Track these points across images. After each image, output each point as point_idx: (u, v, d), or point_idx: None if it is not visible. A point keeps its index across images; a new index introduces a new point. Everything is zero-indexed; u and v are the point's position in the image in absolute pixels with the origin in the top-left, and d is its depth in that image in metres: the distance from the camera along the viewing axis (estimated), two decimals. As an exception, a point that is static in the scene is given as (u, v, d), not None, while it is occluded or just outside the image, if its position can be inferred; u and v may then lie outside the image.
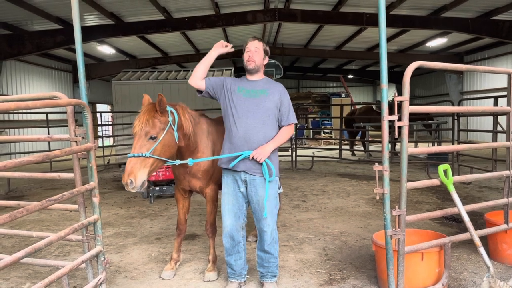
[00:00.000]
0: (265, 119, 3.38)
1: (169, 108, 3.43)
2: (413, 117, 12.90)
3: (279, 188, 3.54)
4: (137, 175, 3.12)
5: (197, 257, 4.50)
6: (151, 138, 3.25)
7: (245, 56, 3.45)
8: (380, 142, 3.04)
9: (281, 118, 3.46)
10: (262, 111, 3.37)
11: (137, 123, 3.28)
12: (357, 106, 17.10)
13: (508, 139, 3.64)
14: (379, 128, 13.54)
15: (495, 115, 7.62)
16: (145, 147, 3.21)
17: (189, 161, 3.48)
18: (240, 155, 3.31)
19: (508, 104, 3.64)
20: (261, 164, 3.32)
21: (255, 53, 3.42)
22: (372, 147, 14.05)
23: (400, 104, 2.88)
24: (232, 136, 3.39)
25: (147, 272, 4.12)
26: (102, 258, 2.96)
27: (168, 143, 3.35)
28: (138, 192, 8.19)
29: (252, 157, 3.30)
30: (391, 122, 2.91)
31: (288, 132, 3.49)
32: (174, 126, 3.40)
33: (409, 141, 2.95)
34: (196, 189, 3.85)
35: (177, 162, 3.45)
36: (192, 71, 13.81)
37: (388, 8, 11.84)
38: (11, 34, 12.66)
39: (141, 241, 5.15)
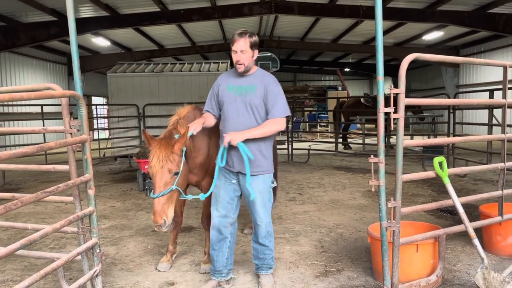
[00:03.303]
0: (256, 116, 3.29)
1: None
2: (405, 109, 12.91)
3: (273, 182, 3.45)
4: (168, 214, 3.14)
5: (193, 249, 4.51)
6: (175, 174, 3.19)
7: (233, 58, 3.30)
8: (375, 135, 3.04)
9: (267, 112, 3.30)
10: (250, 109, 3.28)
11: (155, 162, 3.15)
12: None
13: (503, 132, 3.66)
14: (370, 121, 13.57)
15: (490, 108, 7.65)
16: (169, 184, 3.17)
17: (200, 196, 3.37)
18: (223, 150, 3.24)
19: (504, 97, 3.65)
20: (260, 164, 3.28)
21: (242, 55, 3.25)
22: (367, 140, 14.07)
23: (396, 97, 2.87)
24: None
25: (143, 264, 4.12)
26: (98, 250, 2.96)
27: (185, 172, 3.32)
28: (134, 185, 8.19)
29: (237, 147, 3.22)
30: (387, 114, 2.91)
31: (271, 125, 3.26)
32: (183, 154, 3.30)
33: (404, 134, 2.95)
34: (192, 182, 3.83)
35: (190, 197, 3.37)
36: (188, 63, 13.66)
37: (385, 0, 11.81)
38: (5, 26, 12.53)
39: (137, 233, 5.15)
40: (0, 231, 5.30)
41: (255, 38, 3.31)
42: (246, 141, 3.22)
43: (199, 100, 9.99)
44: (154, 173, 3.16)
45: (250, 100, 3.28)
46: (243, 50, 3.25)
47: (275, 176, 5.08)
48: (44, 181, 9.12)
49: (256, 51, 3.35)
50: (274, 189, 5.15)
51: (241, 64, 3.27)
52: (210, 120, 3.50)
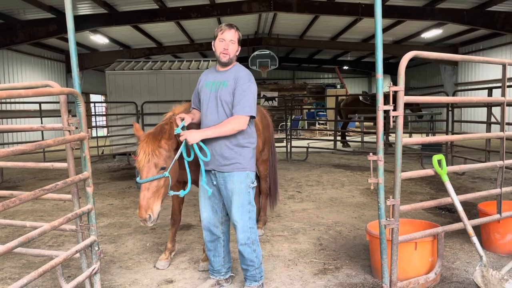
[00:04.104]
0: (228, 112, 3.17)
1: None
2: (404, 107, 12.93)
3: (253, 183, 3.27)
4: (153, 209, 3.09)
5: (192, 247, 4.51)
6: (162, 168, 3.13)
7: (218, 47, 3.19)
8: (373, 133, 3.03)
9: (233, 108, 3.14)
10: (221, 105, 3.18)
11: (142, 156, 3.10)
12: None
13: (501, 130, 3.66)
14: (369, 119, 13.57)
15: (489, 106, 7.65)
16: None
17: (180, 193, 3.32)
18: (196, 147, 3.15)
19: (502, 95, 3.65)
20: (232, 161, 3.16)
21: (231, 45, 3.18)
22: (366, 138, 14.08)
23: (395, 94, 2.87)
24: None
25: (141, 262, 4.12)
26: (97, 248, 2.95)
27: (175, 168, 3.25)
28: (132, 183, 8.18)
29: (206, 147, 3.16)
30: (386, 112, 2.91)
31: (231, 123, 3.08)
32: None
33: (403, 132, 2.94)
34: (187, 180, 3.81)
35: (171, 193, 3.27)
36: (186, 61, 13.67)
37: (384, -2, 11.80)
38: (3, 23, 12.50)
39: (135, 231, 5.15)
40: (-2, 229, 5.29)
41: (241, 35, 3.31)
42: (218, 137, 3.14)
43: (197, 98, 9.99)
44: (141, 167, 3.13)
45: (221, 95, 3.19)
46: (232, 40, 3.20)
47: (274, 176, 5.11)
48: (42, 178, 9.10)
49: (240, 48, 3.30)
50: (275, 188, 5.17)
51: (227, 54, 3.19)
52: (198, 116, 3.44)
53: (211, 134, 3.11)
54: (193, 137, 3.07)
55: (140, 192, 3.12)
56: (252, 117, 3.20)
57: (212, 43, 3.30)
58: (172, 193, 3.28)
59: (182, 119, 3.24)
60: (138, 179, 3.16)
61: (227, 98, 3.17)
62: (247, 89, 3.14)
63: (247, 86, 3.15)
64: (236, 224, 3.21)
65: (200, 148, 3.17)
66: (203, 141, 3.16)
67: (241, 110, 3.10)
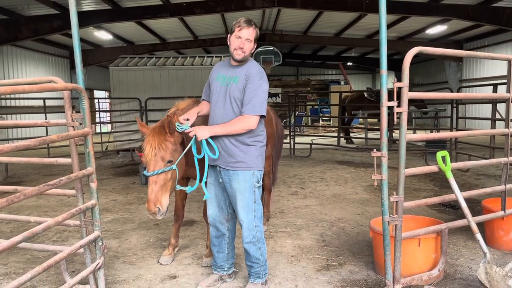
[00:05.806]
0: (235, 109, 3.13)
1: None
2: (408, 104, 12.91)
3: (258, 182, 3.22)
4: (162, 202, 3.10)
5: (195, 243, 4.52)
6: (169, 162, 3.14)
7: (234, 43, 3.12)
8: (377, 129, 3.03)
9: (242, 106, 3.10)
10: (230, 101, 3.14)
11: (148, 150, 3.12)
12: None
13: (506, 126, 3.64)
14: (373, 115, 13.52)
15: (494, 102, 7.61)
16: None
17: (187, 189, 3.32)
18: (204, 143, 3.14)
19: (508, 91, 3.63)
20: (237, 159, 3.14)
21: (247, 43, 3.10)
22: (370, 134, 14.04)
23: (399, 91, 2.86)
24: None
25: (145, 258, 4.14)
26: (100, 243, 2.96)
27: (182, 161, 3.26)
28: (136, 178, 8.20)
29: (213, 145, 3.14)
30: (390, 108, 2.89)
31: (240, 123, 3.06)
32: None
33: (407, 128, 2.93)
34: (193, 176, 3.81)
35: (178, 187, 3.30)
36: (190, 57, 13.60)
37: (388, -6, 11.72)
38: (7, 19, 12.53)
39: (139, 227, 5.17)
40: (3, 224, 5.32)
41: (258, 32, 3.24)
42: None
43: (200, 94, 9.92)
44: (148, 161, 3.14)
45: (231, 91, 3.14)
46: (248, 39, 3.12)
47: (274, 172, 5.09)
48: (46, 174, 9.14)
49: (256, 45, 3.25)
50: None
51: (241, 52, 3.12)
52: (207, 108, 3.43)
53: (220, 131, 3.10)
54: (202, 133, 3.07)
55: (148, 186, 3.14)
56: (262, 116, 3.17)
57: (228, 37, 3.22)
58: (179, 187, 3.32)
59: (187, 119, 3.25)
60: (145, 172, 3.18)
61: (237, 95, 3.13)
62: (258, 88, 3.09)
63: (258, 84, 3.09)
64: (241, 223, 3.22)
65: (208, 144, 3.17)
66: (211, 137, 3.16)
67: (251, 110, 3.05)
